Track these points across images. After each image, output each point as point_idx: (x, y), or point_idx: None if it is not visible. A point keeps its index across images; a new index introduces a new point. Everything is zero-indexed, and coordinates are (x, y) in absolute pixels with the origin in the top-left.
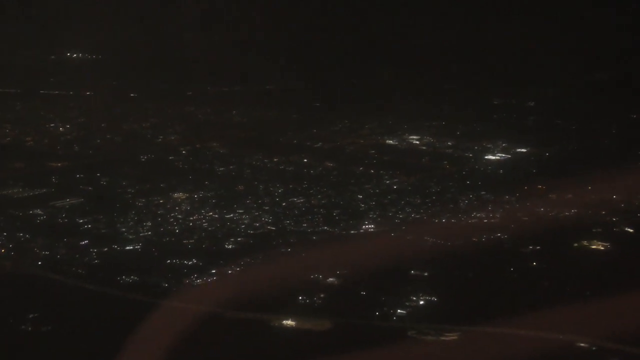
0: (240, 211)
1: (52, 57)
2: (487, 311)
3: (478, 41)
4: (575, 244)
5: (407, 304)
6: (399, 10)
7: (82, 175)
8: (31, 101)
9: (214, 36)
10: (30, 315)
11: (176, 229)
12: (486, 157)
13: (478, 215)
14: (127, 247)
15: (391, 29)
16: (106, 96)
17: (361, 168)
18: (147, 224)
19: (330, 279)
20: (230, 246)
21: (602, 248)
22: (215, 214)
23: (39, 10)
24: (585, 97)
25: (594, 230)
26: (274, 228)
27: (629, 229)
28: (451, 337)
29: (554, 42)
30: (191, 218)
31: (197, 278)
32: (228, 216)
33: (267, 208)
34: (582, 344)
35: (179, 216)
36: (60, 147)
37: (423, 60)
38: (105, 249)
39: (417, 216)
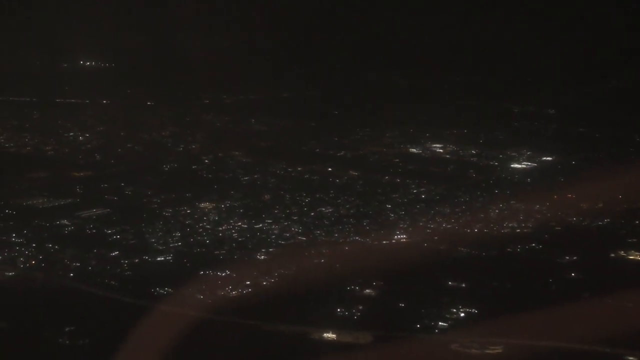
0: (269, 221)
1: (64, 65)
2: (530, 323)
3: (483, 44)
4: (612, 255)
5: (448, 316)
6: (399, 12)
7: (106, 185)
8: (48, 110)
9: (221, 42)
10: (67, 329)
11: (206, 240)
12: (512, 165)
13: (510, 225)
14: (158, 258)
15: (395, 31)
16: (122, 104)
17: (387, 177)
18: (176, 234)
19: (367, 291)
20: (262, 257)
21: None
22: (244, 224)
23: (45, 17)
24: (602, 104)
25: (629, 240)
26: (304, 238)
27: None
28: (496, 350)
29: (556, 43)
30: (220, 228)
31: (232, 290)
32: (257, 226)
33: (295, 218)
34: (631, 358)
35: (208, 226)
36: (81, 156)
37: (431, 64)
38: (136, 260)
39: (449, 226)
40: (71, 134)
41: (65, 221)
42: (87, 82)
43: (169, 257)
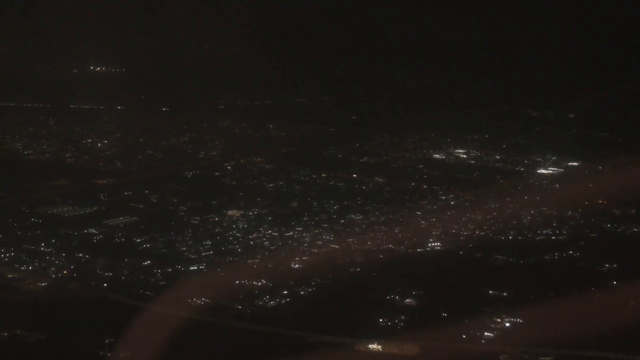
0: (299, 229)
1: (75, 70)
2: (577, 333)
3: (496, 48)
4: None
5: (493, 325)
6: (413, 15)
7: (130, 193)
8: (63, 116)
9: (231, 47)
10: (107, 340)
11: (238, 248)
12: (539, 171)
13: (544, 232)
14: (191, 268)
15: (408, 35)
16: (138, 110)
17: (413, 183)
18: (207, 242)
19: (408, 300)
20: (296, 266)
21: None
22: (274, 232)
23: (52, 23)
24: (620, 108)
25: None
26: (337, 246)
27: None
28: None
29: (571, 46)
30: (250, 236)
31: (269, 300)
32: (288, 234)
33: (326, 226)
34: None
35: (238, 234)
36: (102, 163)
37: (445, 68)
38: (169, 270)
39: (482, 233)
40: (89, 140)
41: (93, 230)
42: (99, 88)
43: (202, 266)
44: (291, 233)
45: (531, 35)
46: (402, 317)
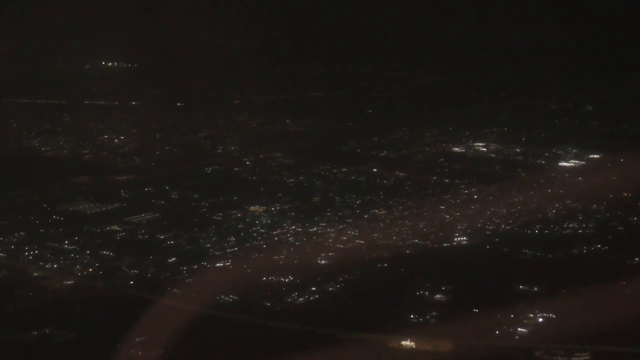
0: (322, 224)
1: (87, 66)
2: (612, 329)
3: (513, 42)
4: None
5: (525, 321)
6: (424, 9)
7: (151, 189)
8: (78, 112)
9: (241, 42)
10: (137, 339)
11: (262, 245)
12: (560, 164)
13: (570, 225)
14: (217, 264)
15: (420, 29)
16: (152, 106)
17: (434, 177)
18: (231, 239)
19: (438, 296)
20: (323, 261)
21: None
22: (298, 228)
23: (61, 18)
24: (638, 100)
25: None
26: (362, 242)
27: None
28: (583, 357)
29: (587, 40)
30: (274, 232)
31: (298, 296)
32: (312, 229)
33: (350, 221)
34: None
35: (262, 230)
36: (120, 159)
37: (461, 62)
38: (195, 267)
39: (507, 227)
40: (106, 136)
41: (116, 227)
42: (112, 84)
43: (227, 263)
44: (315, 229)
45: (545, 28)
46: (434, 313)
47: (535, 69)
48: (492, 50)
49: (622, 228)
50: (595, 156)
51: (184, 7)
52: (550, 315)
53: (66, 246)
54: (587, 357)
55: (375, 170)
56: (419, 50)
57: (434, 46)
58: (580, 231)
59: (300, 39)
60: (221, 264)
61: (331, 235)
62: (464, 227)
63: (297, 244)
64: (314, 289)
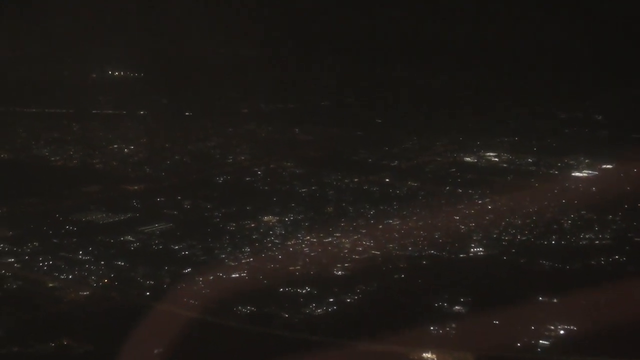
0: (337, 234)
1: (93, 75)
2: (635, 341)
3: (517, 49)
4: None
5: (547, 333)
6: (429, 14)
7: (162, 199)
8: (87, 121)
9: (247, 50)
10: (155, 351)
11: (278, 255)
12: (573, 174)
13: (587, 236)
14: (233, 275)
15: (427, 35)
16: (161, 115)
17: (447, 188)
18: (246, 249)
19: (457, 307)
20: (339, 272)
21: None
22: (312, 238)
23: (69, 25)
24: None
25: None
26: (378, 252)
27: None
28: None
29: (593, 46)
30: (289, 243)
31: (316, 308)
32: (327, 240)
33: (364, 231)
34: None
35: (276, 241)
36: (131, 169)
37: (468, 69)
38: (211, 277)
39: (523, 238)
40: (115, 146)
41: (130, 237)
42: (120, 93)
43: (243, 274)
44: (330, 239)
45: (546, 29)
46: (453, 325)
47: (537, 70)
48: (492, 50)
49: (639, 239)
50: (607, 166)
51: (183, 8)
52: (572, 327)
53: (80, 256)
54: None
55: (387, 180)
56: (419, 50)
57: (434, 46)
58: (597, 242)
59: (300, 39)
60: (237, 275)
61: (346, 245)
62: (479, 238)
63: (312, 254)
64: (331, 300)
